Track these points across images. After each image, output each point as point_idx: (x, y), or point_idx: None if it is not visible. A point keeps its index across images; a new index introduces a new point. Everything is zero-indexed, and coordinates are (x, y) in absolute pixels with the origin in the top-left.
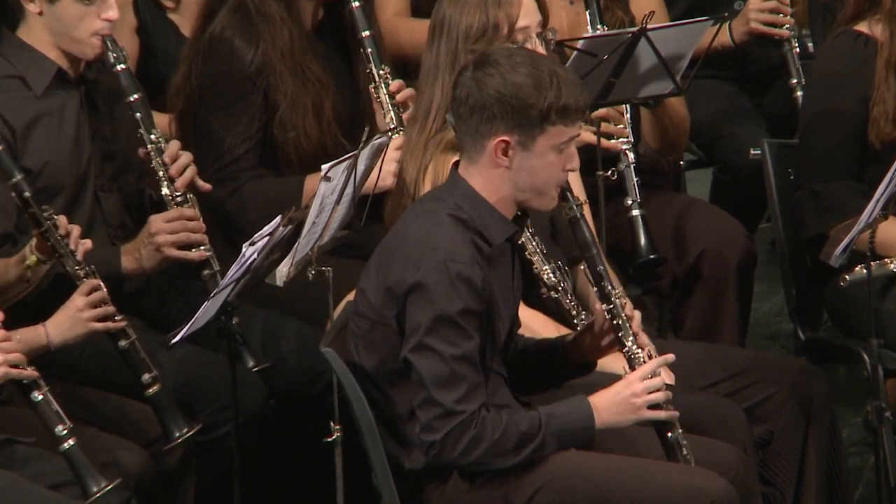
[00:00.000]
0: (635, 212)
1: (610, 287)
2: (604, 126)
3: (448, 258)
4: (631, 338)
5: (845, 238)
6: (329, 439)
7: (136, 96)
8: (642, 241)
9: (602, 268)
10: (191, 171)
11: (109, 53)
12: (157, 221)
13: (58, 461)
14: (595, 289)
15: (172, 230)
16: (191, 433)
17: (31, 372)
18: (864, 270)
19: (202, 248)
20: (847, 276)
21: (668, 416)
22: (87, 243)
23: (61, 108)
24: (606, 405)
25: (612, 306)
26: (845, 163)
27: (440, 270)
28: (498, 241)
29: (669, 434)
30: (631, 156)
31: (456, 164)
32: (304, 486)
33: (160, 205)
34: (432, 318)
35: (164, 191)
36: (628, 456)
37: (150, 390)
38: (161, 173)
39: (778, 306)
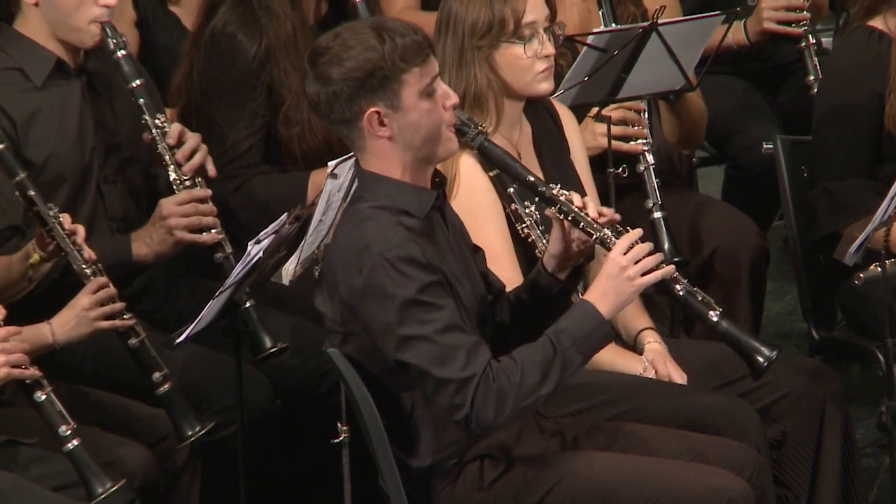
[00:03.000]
0: (657, 214)
1: (548, 189)
2: (622, 129)
3: (383, 248)
4: (594, 224)
5: (860, 236)
6: (336, 440)
7: (138, 82)
8: (666, 244)
9: (531, 177)
10: (200, 155)
11: (109, 40)
12: (168, 204)
13: (61, 462)
14: (536, 198)
15: (184, 213)
16: (203, 431)
17: (33, 372)
18: (879, 269)
19: (214, 230)
20: (861, 275)
21: (665, 273)
22: (91, 254)
23: (62, 100)
24: (603, 293)
25: (559, 205)
26: (859, 160)
27: (381, 264)
28: (423, 212)
29: (678, 286)
30: (650, 157)
31: (357, 163)
32: (310, 488)
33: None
34: (396, 310)
35: (172, 175)
36: (643, 456)
37: (161, 389)
38: (167, 158)
39: (791, 305)
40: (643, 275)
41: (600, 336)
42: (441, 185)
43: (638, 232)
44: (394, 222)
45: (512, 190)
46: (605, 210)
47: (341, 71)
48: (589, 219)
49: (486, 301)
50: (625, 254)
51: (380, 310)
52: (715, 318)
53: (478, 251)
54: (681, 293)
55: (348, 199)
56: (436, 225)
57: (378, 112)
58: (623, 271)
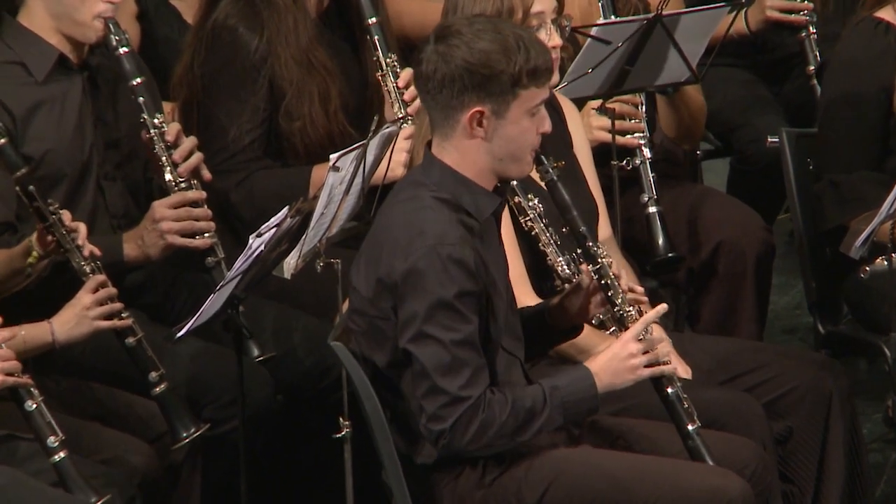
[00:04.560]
0: (652, 209)
1: (595, 247)
2: (619, 122)
3: (437, 242)
4: (621, 296)
5: (866, 229)
6: (338, 435)
7: (139, 80)
8: (660, 239)
9: (584, 228)
10: (196, 159)
11: (112, 37)
12: (160, 207)
13: None
14: (579, 250)
15: (177, 217)
16: (198, 433)
17: (26, 380)
18: (886, 262)
19: (206, 235)
20: (868, 268)
21: (666, 372)
22: (94, 250)
23: (63, 95)
24: (604, 368)
25: (598, 266)
26: (866, 152)
27: (431, 255)
28: (485, 215)
29: (669, 389)
30: (647, 151)
31: (428, 144)
32: (312, 483)
33: (167, 193)
34: (428, 305)
35: (168, 177)
36: (644, 454)
37: (157, 389)
38: (164, 159)
39: (797, 299)
40: (648, 365)
41: (587, 409)
42: (503, 192)
43: (662, 308)
44: (454, 219)
45: (515, 183)
46: (636, 287)
47: (468, 60)
48: (619, 289)
49: (515, 310)
50: (639, 341)
51: (414, 298)
52: (690, 428)
53: None
54: (670, 393)
55: (410, 178)
56: (491, 231)
57: (482, 112)
58: (630, 358)
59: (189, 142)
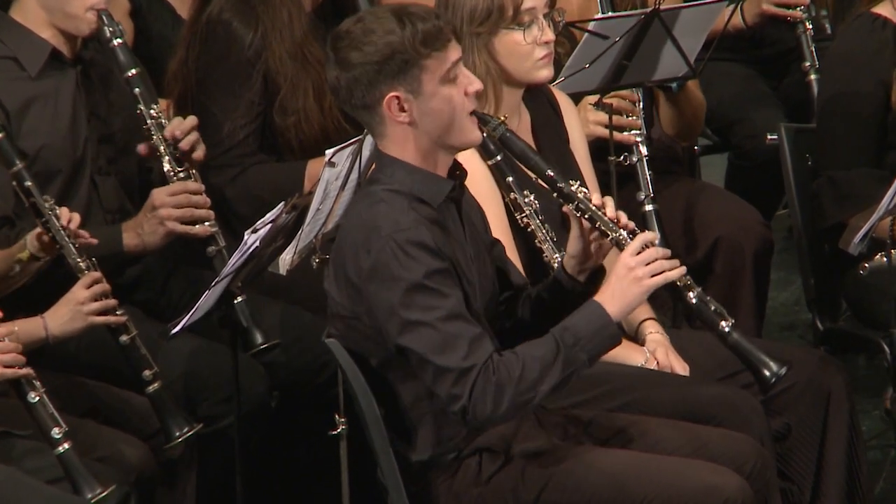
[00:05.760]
0: (648, 207)
1: (567, 185)
2: (615, 118)
3: (392, 231)
4: (611, 224)
5: (865, 225)
6: (334, 432)
7: (133, 71)
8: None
9: (551, 172)
10: (194, 136)
11: (105, 28)
12: (159, 195)
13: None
14: (554, 193)
15: (177, 203)
16: (192, 432)
17: (27, 371)
18: (885, 258)
19: (207, 224)
20: (867, 265)
21: (675, 275)
22: (89, 238)
23: (56, 90)
24: (612, 293)
25: (577, 202)
26: (864, 148)
27: (389, 246)
28: (437, 200)
29: (691, 295)
30: (644, 149)
31: (377, 147)
32: (308, 480)
33: (166, 182)
34: (401, 292)
35: (166, 167)
36: (642, 452)
37: (151, 388)
38: (162, 149)
39: (796, 295)
40: (654, 276)
41: (607, 336)
42: (460, 177)
43: (653, 234)
44: (406, 206)
45: (511, 179)
46: (621, 214)
47: (361, 55)
48: (606, 218)
49: (495, 299)
50: (636, 255)
51: (385, 292)
52: (726, 329)
53: (496, 243)
54: (693, 300)
55: (364, 180)
56: (449, 216)
57: (398, 97)
58: (631, 272)
59: (189, 120)
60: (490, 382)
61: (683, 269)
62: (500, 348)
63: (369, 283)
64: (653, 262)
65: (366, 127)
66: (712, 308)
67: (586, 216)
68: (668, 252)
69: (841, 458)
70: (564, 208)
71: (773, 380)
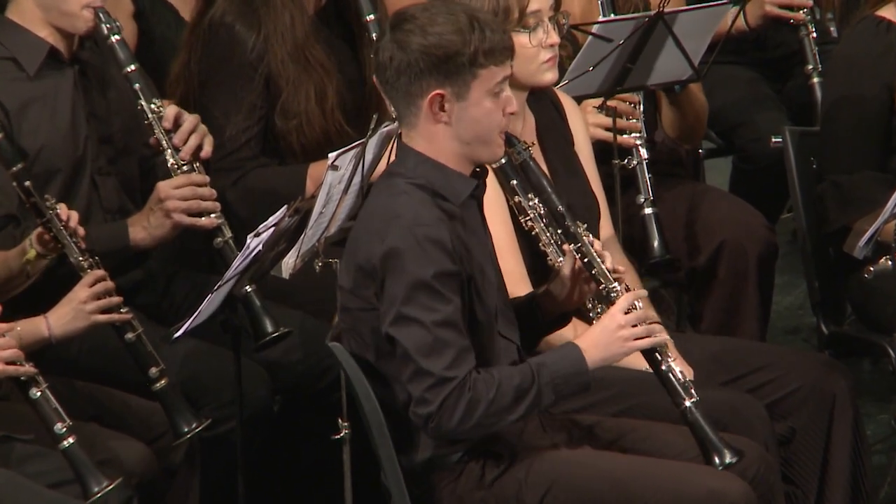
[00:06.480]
0: (648, 210)
1: (574, 226)
2: (616, 121)
3: (413, 223)
4: (606, 274)
5: (869, 229)
6: (337, 436)
7: (132, 67)
8: (655, 241)
9: (562, 208)
10: (196, 137)
11: (103, 25)
12: (165, 187)
13: (57, 459)
14: (559, 231)
15: (182, 196)
16: (200, 428)
17: (28, 368)
18: (889, 262)
19: (213, 215)
20: (871, 268)
21: (656, 343)
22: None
23: (55, 90)
24: (595, 343)
25: (580, 244)
26: (869, 151)
27: (407, 236)
28: (460, 198)
29: (662, 363)
30: (643, 152)
31: (400, 135)
32: (310, 484)
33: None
34: (407, 286)
35: (170, 161)
36: (645, 456)
37: (158, 385)
38: (164, 142)
39: (800, 299)
40: (638, 339)
41: (579, 383)
42: (481, 175)
43: (643, 292)
44: (430, 202)
45: (515, 182)
46: (619, 267)
47: (423, 43)
48: (603, 267)
49: (507, 296)
50: (626, 313)
51: (391, 280)
52: (687, 404)
53: None
54: (663, 368)
55: (386, 171)
56: (473, 216)
57: (443, 95)
58: (619, 329)
59: (190, 121)
60: (463, 398)
61: (667, 337)
62: (478, 366)
63: (380, 269)
64: (641, 325)
65: (395, 112)
66: (681, 381)
67: (585, 259)
68: (656, 317)
69: (845, 463)
70: (565, 247)
71: (720, 468)
